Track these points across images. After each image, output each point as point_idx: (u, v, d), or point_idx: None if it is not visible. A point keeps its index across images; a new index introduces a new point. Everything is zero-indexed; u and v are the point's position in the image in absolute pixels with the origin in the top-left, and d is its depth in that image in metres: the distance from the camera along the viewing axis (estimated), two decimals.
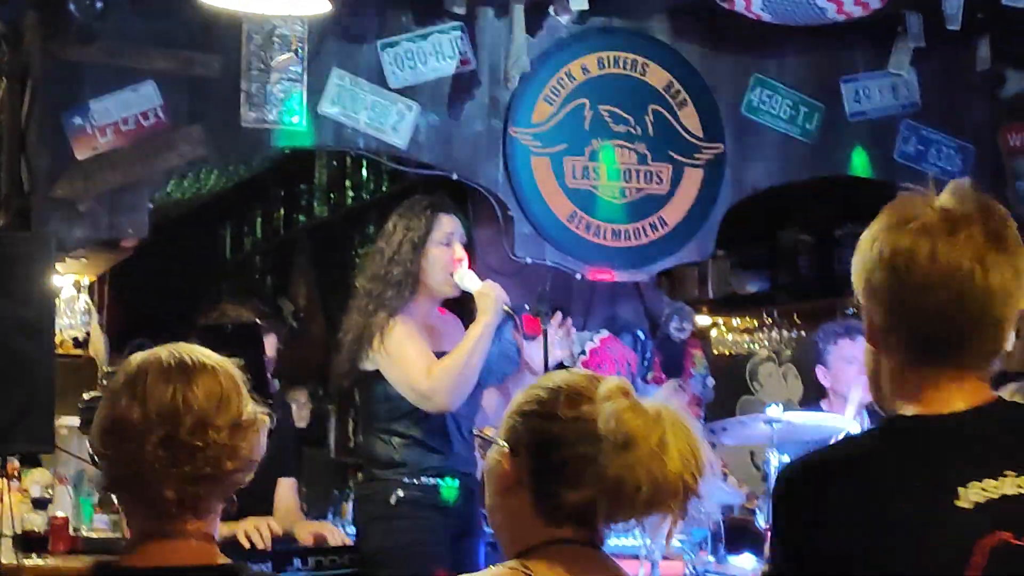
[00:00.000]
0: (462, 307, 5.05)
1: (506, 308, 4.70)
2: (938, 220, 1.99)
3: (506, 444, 2.27)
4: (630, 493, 2.16)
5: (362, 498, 4.83)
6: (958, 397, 2.01)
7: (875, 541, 1.92)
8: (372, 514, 4.73)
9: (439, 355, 4.72)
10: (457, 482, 4.74)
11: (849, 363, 5.52)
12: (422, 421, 4.70)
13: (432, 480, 4.71)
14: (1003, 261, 1.98)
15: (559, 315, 4.91)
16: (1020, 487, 1.92)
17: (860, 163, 6.27)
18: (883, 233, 2.03)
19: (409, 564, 4.61)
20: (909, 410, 2.04)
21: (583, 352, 6.09)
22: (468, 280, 4.79)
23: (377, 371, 4.71)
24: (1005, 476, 1.93)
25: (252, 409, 2.38)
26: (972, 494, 1.91)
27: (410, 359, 4.63)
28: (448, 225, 4.87)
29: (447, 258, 4.80)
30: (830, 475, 2.01)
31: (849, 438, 2.15)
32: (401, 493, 4.66)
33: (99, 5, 5.11)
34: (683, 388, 6.11)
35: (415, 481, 4.69)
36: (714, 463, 2.25)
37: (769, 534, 2.11)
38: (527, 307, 5.96)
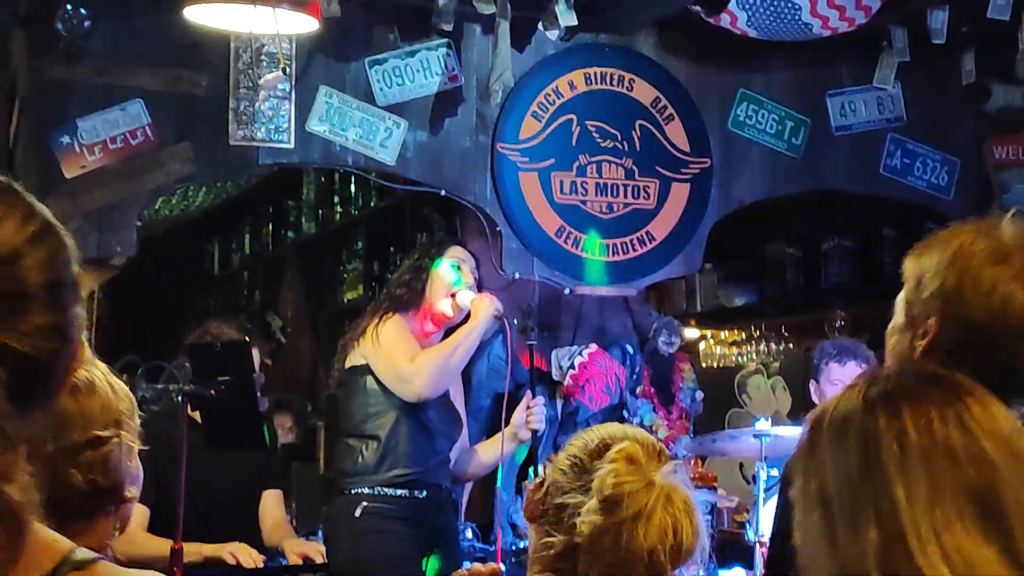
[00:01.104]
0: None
1: (497, 314, 4.72)
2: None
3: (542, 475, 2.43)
4: (601, 551, 2.23)
5: (329, 517, 4.81)
6: None
7: None
8: (339, 531, 4.69)
9: None
10: (426, 493, 4.70)
11: (833, 385, 5.59)
12: (396, 424, 4.68)
13: (399, 491, 4.67)
14: None
15: (528, 396, 4.95)
16: None
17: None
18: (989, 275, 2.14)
19: None
20: None
21: (572, 367, 6.10)
22: (465, 296, 4.83)
23: (361, 366, 4.72)
24: None
25: (106, 431, 2.32)
26: None
27: (397, 346, 4.69)
28: (459, 252, 4.96)
29: (452, 279, 4.84)
30: None
31: None
32: (366, 504, 4.62)
33: (86, 23, 5.12)
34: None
35: (382, 491, 4.64)
36: (705, 551, 2.28)
37: None
38: (515, 321, 5.98)
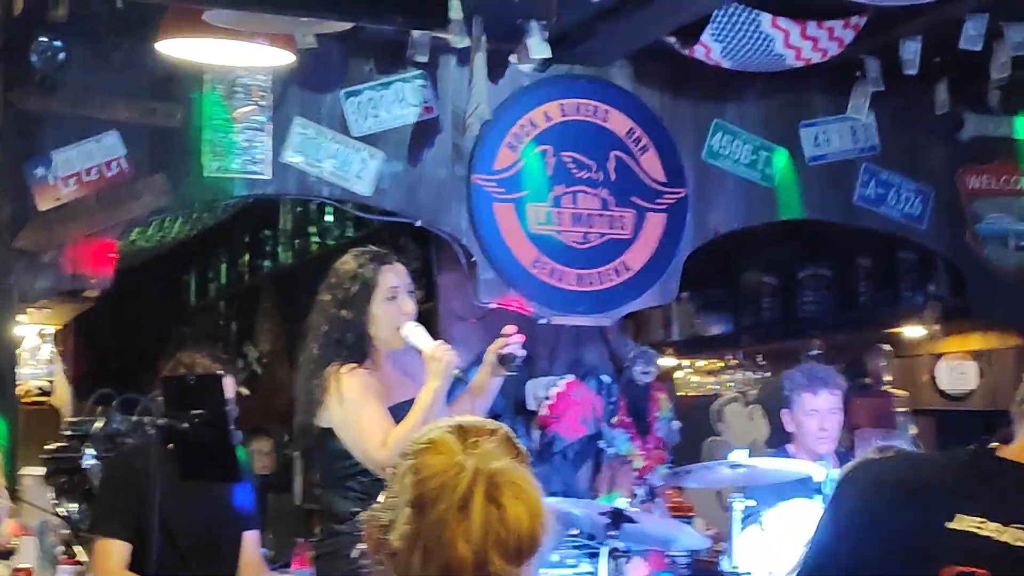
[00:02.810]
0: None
1: (457, 373, 4.59)
2: None
3: None
4: (416, 563, 1.83)
5: (323, 555, 4.73)
6: None
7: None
8: (334, 570, 4.63)
9: (393, 408, 4.60)
10: None
11: (809, 415, 5.55)
12: (379, 480, 4.60)
13: None
14: None
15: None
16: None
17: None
18: None
19: None
20: None
21: (548, 397, 6.10)
22: (418, 338, 4.64)
23: (331, 429, 4.59)
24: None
25: None
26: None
27: (365, 425, 4.44)
28: (393, 279, 4.64)
29: (393, 313, 4.60)
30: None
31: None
32: (362, 547, 4.56)
33: (61, 56, 5.13)
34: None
35: None
36: (547, 547, 1.86)
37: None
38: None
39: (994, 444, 2.19)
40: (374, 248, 4.81)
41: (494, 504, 1.81)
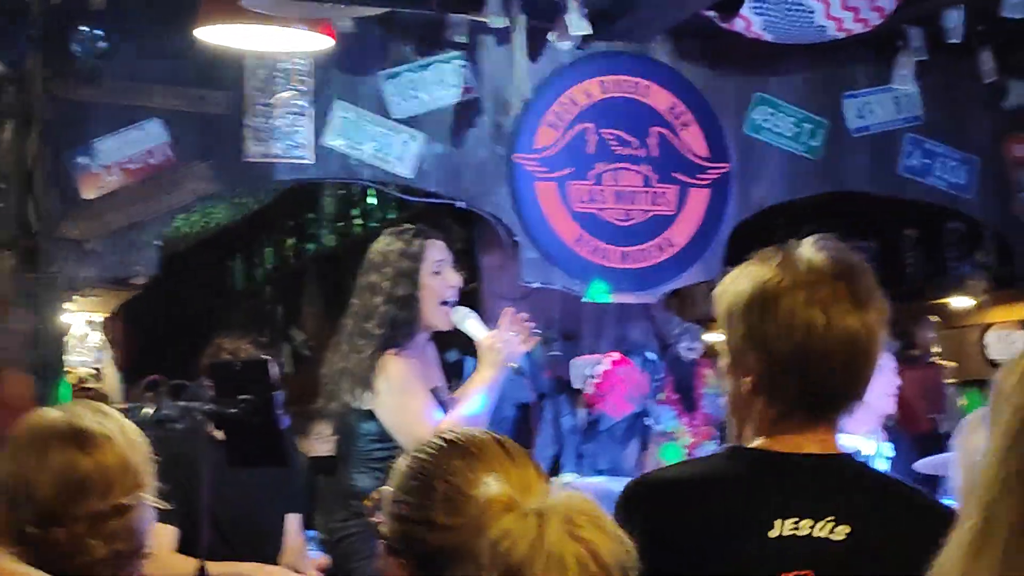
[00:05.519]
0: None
1: (515, 366, 4.56)
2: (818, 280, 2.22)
3: (389, 543, 1.94)
4: None
5: (350, 536, 4.65)
6: (810, 442, 2.25)
7: (698, 555, 2.11)
8: (364, 550, 4.57)
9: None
10: None
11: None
12: None
13: None
14: (852, 314, 2.21)
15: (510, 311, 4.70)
16: (822, 531, 2.12)
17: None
18: (767, 291, 2.23)
19: None
20: (756, 443, 2.22)
21: (593, 376, 6.09)
22: (470, 324, 4.63)
23: (369, 411, 4.57)
24: (807, 519, 2.13)
25: (129, 495, 2.15)
26: (785, 528, 2.11)
27: (414, 411, 4.45)
28: (437, 252, 4.71)
29: (440, 287, 4.66)
30: (667, 493, 2.20)
31: (694, 460, 2.27)
32: None
33: (102, 44, 5.15)
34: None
35: None
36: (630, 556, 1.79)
37: None
38: (538, 331, 5.97)
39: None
40: (411, 225, 4.83)
41: (580, 543, 1.75)
